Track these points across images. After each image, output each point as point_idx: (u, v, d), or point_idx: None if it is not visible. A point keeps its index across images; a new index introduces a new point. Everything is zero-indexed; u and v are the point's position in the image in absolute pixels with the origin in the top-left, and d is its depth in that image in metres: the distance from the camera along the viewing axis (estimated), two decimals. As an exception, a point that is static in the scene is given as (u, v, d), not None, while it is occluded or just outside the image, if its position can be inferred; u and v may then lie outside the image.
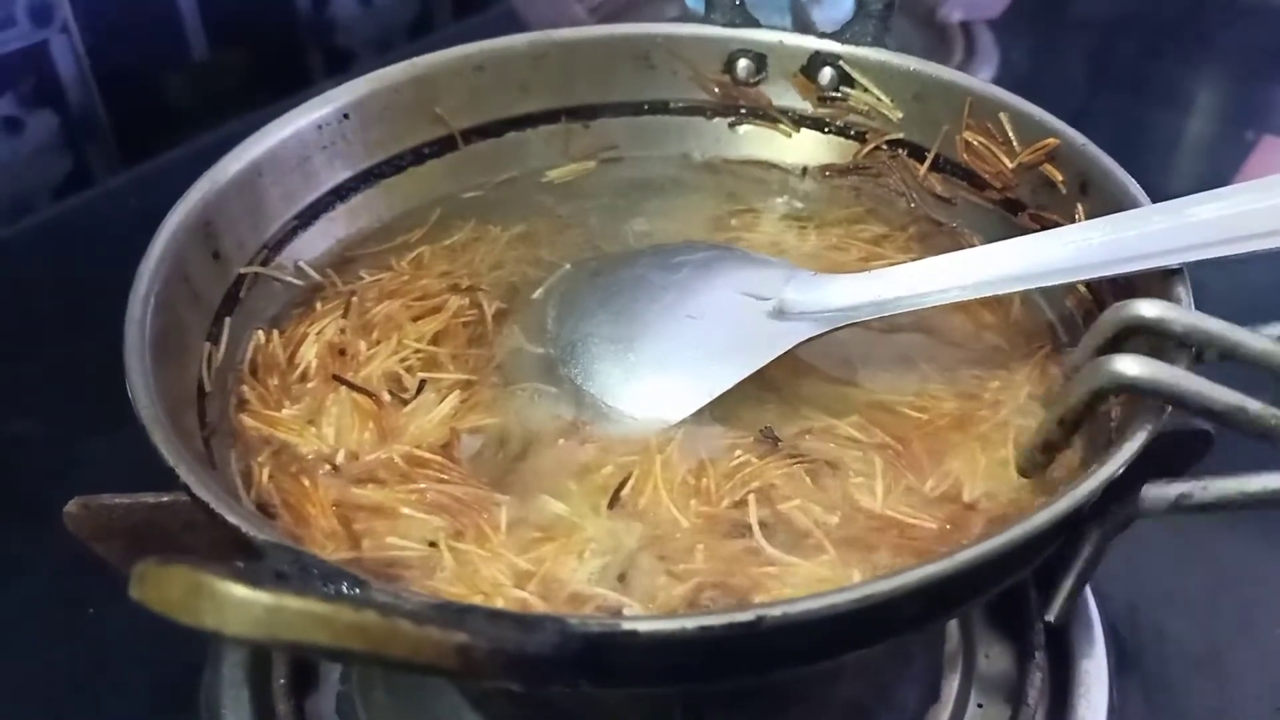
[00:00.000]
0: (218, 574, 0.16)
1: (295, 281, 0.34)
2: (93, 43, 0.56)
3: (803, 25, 0.46)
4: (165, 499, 0.24)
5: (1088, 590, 0.34)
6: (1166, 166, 0.59)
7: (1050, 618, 0.25)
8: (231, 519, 0.22)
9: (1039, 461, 0.25)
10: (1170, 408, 0.23)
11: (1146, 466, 0.22)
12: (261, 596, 0.16)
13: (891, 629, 0.22)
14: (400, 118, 0.37)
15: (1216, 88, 0.67)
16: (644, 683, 0.21)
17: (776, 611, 0.19)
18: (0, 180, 0.56)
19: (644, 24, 0.39)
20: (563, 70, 0.38)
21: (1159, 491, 0.23)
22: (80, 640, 0.36)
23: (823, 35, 0.37)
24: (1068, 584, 0.24)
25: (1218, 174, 0.56)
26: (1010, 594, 0.34)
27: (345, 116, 0.35)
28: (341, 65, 0.65)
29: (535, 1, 0.54)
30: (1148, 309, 0.24)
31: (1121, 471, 0.22)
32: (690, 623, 0.20)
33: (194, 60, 0.61)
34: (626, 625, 0.19)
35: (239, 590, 0.16)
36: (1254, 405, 0.22)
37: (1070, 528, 0.23)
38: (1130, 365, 0.23)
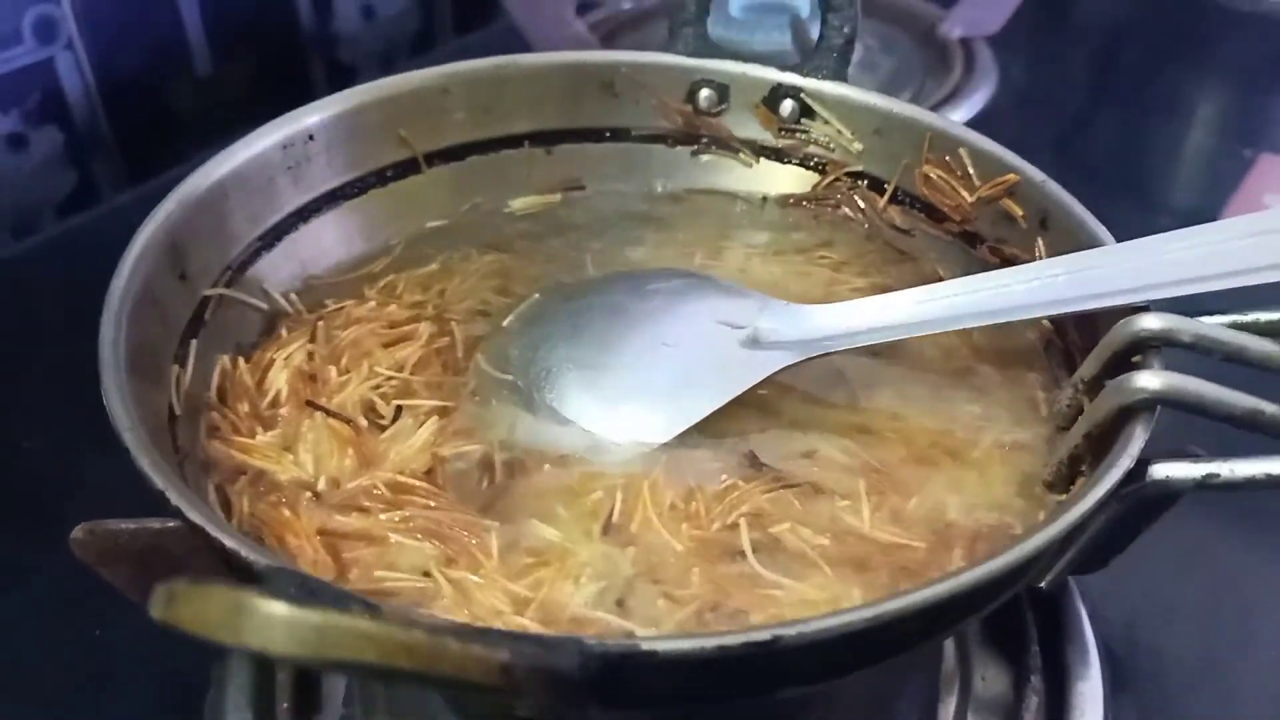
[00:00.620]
0: (258, 594, 0.16)
1: (260, 305, 0.33)
2: (97, 58, 0.56)
3: (804, 44, 0.46)
4: (170, 524, 0.24)
5: (1083, 612, 0.35)
6: (1166, 180, 0.59)
7: (1043, 584, 0.26)
8: (230, 543, 0.21)
9: (1065, 475, 0.26)
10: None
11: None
12: (310, 615, 0.15)
13: (901, 645, 0.22)
14: (365, 140, 0.36)
15: (1216, 100, 0.68)
16: (656, 704, 0.21)
17: (793, 631, 0.20)
18: (5, 197, 0.55)
19: (609, 51, 0.39)
20: (528, 95, 0.38)
21: (1185, 471, 0.24)
22: (85, 661, 0.36)
23: (784, 68, 0.38)
24: (1067, 556, 0.25)
25: (1216, 189, 0.57)
26: (1006, 615, 0.35)
27: (310, 138, 0.35)
28: (345, 79, 0.63)
29: (536, 19, 0.54)
30: (1154, 322, 0.25)
31: (1119, 480, 0.23)
32: (708, 642, 0.20)
33: (198, 74, 0.61)
34: (646, 645, 0.19)
35: (284, 610, 0.15)
36: (1270, 407, 0.24)
37: (1079, 531, 0.24)
38: (1153, 380, 0.25)
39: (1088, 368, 0.27)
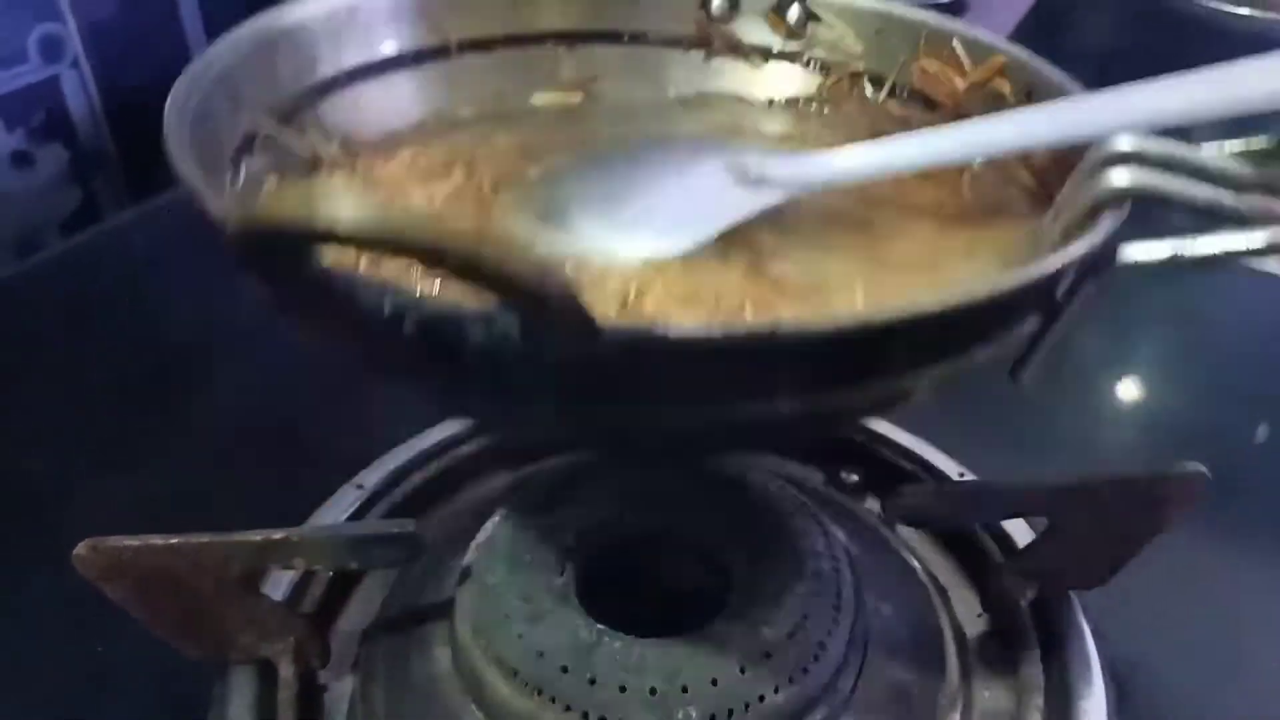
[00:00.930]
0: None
1: (302, 153, 0.36)
2: (102, 76, 0.58)
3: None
4: (174, 541, 0.26)
5: (1085, 630, 0.37)
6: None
7: (1022, 376, 0.28)
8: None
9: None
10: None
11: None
12: (373, 198, 0.17)
13: (888, 361, 0.24)
14: (401, 20, 0.39)
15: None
16: (669, 398, 0.23)
17: (791, 326, 0.22)
18: (9, 216, 0.57)
19: None
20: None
21: (1153, 251, 0.27)
22: (87, 679, 0.36)
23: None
24: (1046, 344, 0.27)
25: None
26: (1007, 632, 0.37)
27: (353, 11, 0.38)
28: None
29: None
30: (1125, 143, 0.28)
31: (1101, 243, 0.25)
32: (715, 331, 0.22)
33: None
34: (660, 330, 0.21)
35: (354, 192, 0.17)
36: (1229, 198, 0.26)
37: (1061, 277, 0.26)
38: (1123, 176, 0.27)
39: (1068, 187, 0.30)
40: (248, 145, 0.33)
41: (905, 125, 0.39)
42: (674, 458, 0.36)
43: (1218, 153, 0.28)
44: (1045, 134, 0.31)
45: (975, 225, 0.34)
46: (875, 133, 0.40)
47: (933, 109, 0.39)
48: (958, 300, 0.23)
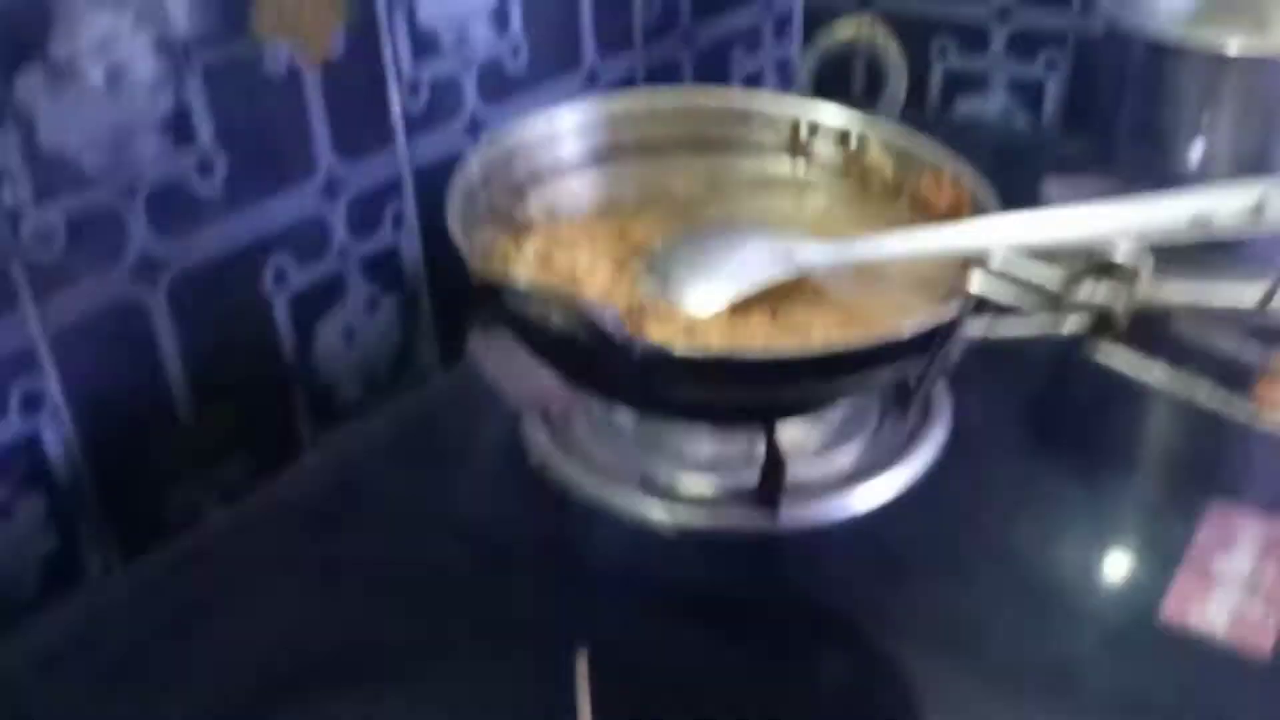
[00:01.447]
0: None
1: (518, 217, 0.63)
2: (81, 422, 0.63)
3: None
4: None
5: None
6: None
7: (913, 399, 0.54)
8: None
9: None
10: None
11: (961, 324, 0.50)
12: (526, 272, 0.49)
13: (836, 377, 0.52)
14: (591, 134, 0.65)
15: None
16: (679, 391, 0.52)
17: (745, 354, 0.52)
18: None
19: (747, 91, 0.72)
20: (694, 119, 0.67)
21: (975, 326, 0.50)
22: None
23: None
24: (924, 381, 0.53)
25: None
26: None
27: (562, 129, 0.65)
28: (325, 398, 0.80)
29: (511, 376, 0.62)
30: (995, 257, 0.48)
31: (952, 317, 0.49)
32: (697, 352, 0.52)
33: (181, 423, 0.69)
34: (672, 351, 0.50)
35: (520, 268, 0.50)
36: (1031, 299, 0.46)
37: (938, 337, 0.49)
38: (975, 280, 0.48)
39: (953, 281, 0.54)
40: (488, 215, 0.60)
41: (908, 223, 0.63)
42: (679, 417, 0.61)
43: (1038, 270, 0.47)
44: (965, 244, 0.54)
45: (918, 296, 0.57)
46: (887, 225, 0.68)
47: (927, 213, 0.63)
48: (841, 348, 0.51)
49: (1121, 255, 0.43)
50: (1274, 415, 0.43)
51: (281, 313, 0.77)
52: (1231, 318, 0.41)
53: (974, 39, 1.17)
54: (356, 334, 0.83)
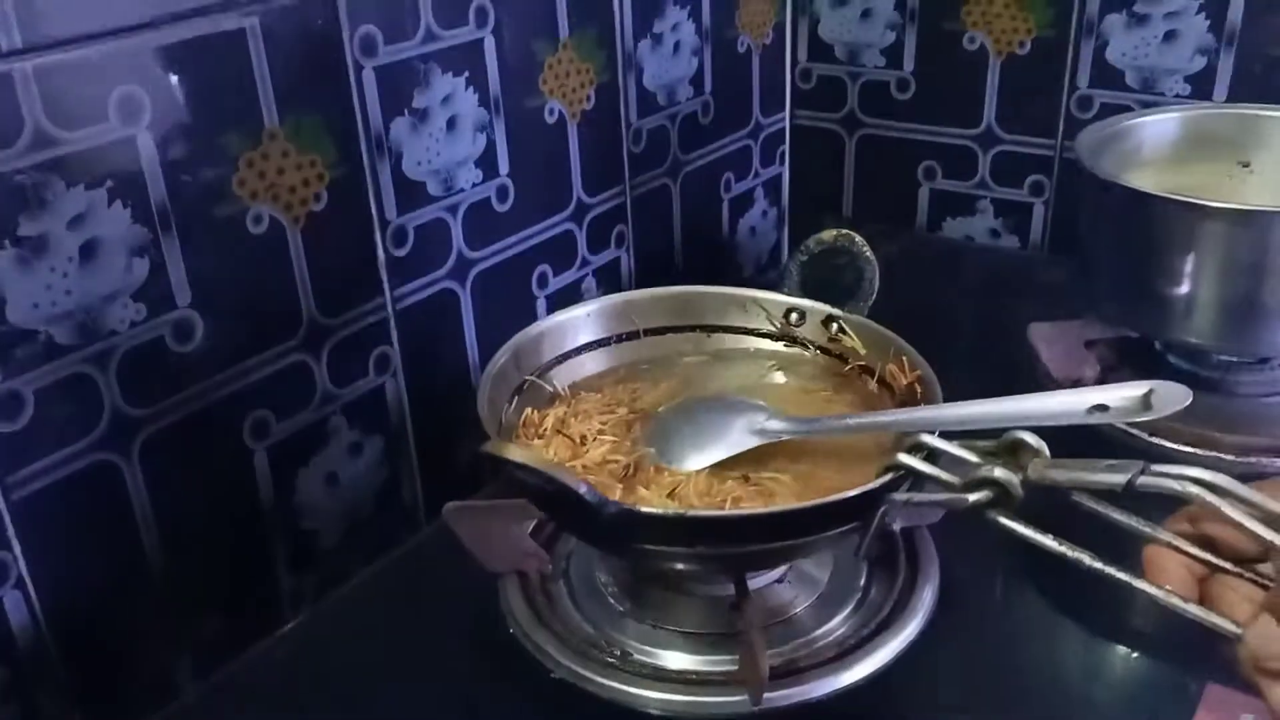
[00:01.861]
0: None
1: (547, 388, 0.70)
2: (46, 590, 0.63)
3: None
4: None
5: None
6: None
7: (859, 554, 0.56)
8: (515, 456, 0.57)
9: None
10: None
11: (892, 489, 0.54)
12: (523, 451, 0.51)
13: (785, 535, 0.55)
14: (611, 319, 0.73)
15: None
16: (648, 541, 0.55)
17: (698, 513, 0.53)
18: None
19: (745, 289, 0.75)
20: (699, 307, 0.74)
21: (900, 497, 0.54)
22: None
23: (833, 306, 0.72)
24: (866, 538, 0.55)
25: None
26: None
27: (588, 315, 0.72)
28: (307, 542, 0.80)
29: (485, 540, 0.65)
30: (924, 437, 0.55)
31: (878, 486, 0.54)
32: (660, 512, 0.54)
33: (153, 585, 0.70)
34: (638, 509, 0.53)
35: (519, 448, 0.51)
36: (950, 475, 0.51)
37: (867, 503, 0.54)
38: (905, 456, 0.54)
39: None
40: (519, 390, 0.68)
41: (875, 397, 0.69)
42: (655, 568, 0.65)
43: (961, 447, 0.54)
44: (907, 425, 0.60)
45: (871, 461, 0.62)
46: (860, 398, 0.69)
47: (892, 391, 0.68)
48: (791, 508, 0.53)
49: (1026, 439, 0.51)
50: (1158, 579, 0.46)
51: (261, 464, 0.77)
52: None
53: (960, 162, 1.18)
54: (340, 478, 0.83)
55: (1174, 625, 0.57)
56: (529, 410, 0.67)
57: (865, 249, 0.72)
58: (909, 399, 0.66)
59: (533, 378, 0.69)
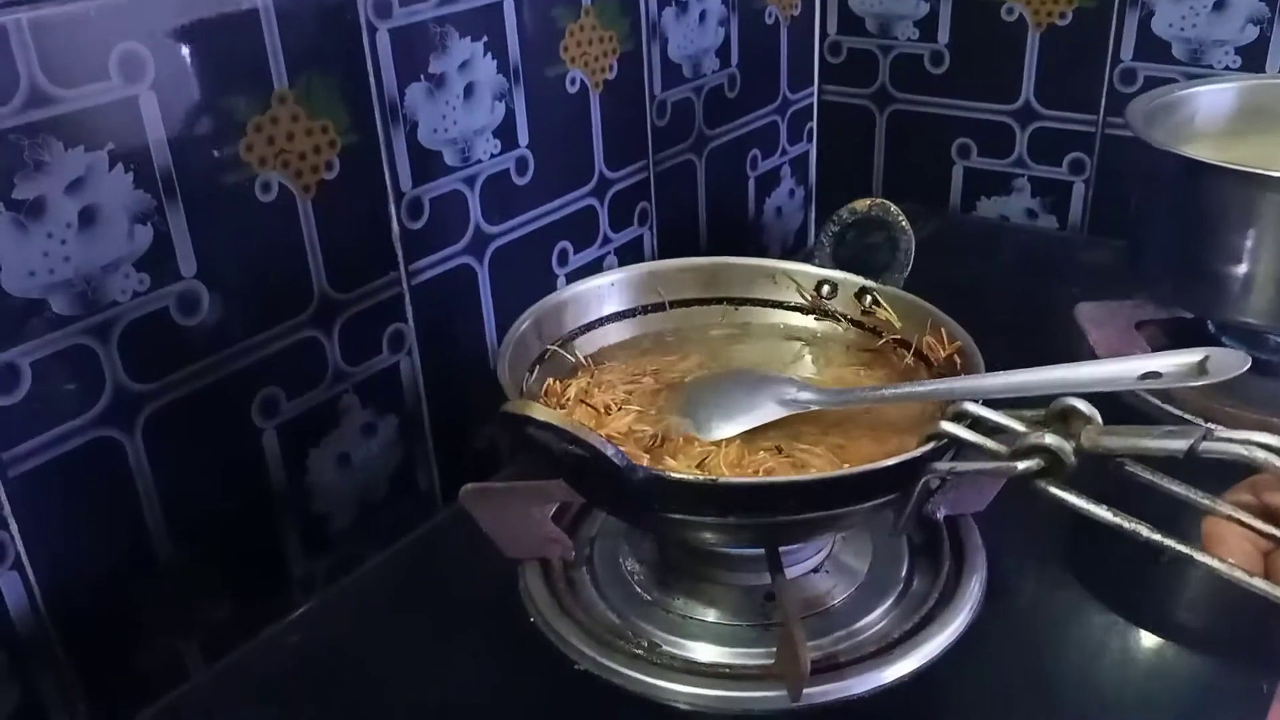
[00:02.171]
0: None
1: (569, 358, 0.66)
2: (45, 570, 0.61)
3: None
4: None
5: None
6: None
7: (897, 530, 0.53)
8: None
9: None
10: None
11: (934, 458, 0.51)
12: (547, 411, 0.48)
13: (824, 504, 0.51)
14: (638, 290, 0.70)
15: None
16: (675, 509, 0.52)
17: (728, 480, 0.50)
18: None
19: (775, 260, 0.71)
20: (727, 278, 0.71)
21: (943, 465, 0.51)
22: None
23: (866, 278, 0.68)
24: (905, 512, 0.52)
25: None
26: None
27: (612, 284, 0.69)
28: (318, 527, 0.77)
29: (505, 524, 0.63)
30: (968, 405, 0.51)
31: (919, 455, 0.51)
32: (688, 477, 0.50)
33: (159, 566, 0.66)
34: (666, 475, 0.50)
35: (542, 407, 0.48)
36: (996, 443, 0.48)
37: (908, 472, 0.51)
38: (949, 425, 0.50)
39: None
40: (540, 360, 0.64)
41: (909, 374, 0.65)
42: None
43: (1008, 416, 0.50)
44: (948, 393, 0.57)
45: (908, 435, 0.58)
46: (896, 372, 0.65)
47: (929, 365, 0.65)
48: (828, 476, 0.50)
49: (1078, 406, 0.48)
50: (1219, 553, 0.43)
51: (271, 444, 0.73)
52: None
53: (996, 139, 1.14)
54: (352, 460, 0.79)
55: (1242, 620, 0.58)
56: (550, 380, 0.64)
57: (900, 218, 0.69)
58: (948, 372, 0.62)
59: (554, 347, 0.65)
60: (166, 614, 0.68)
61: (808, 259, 0.71)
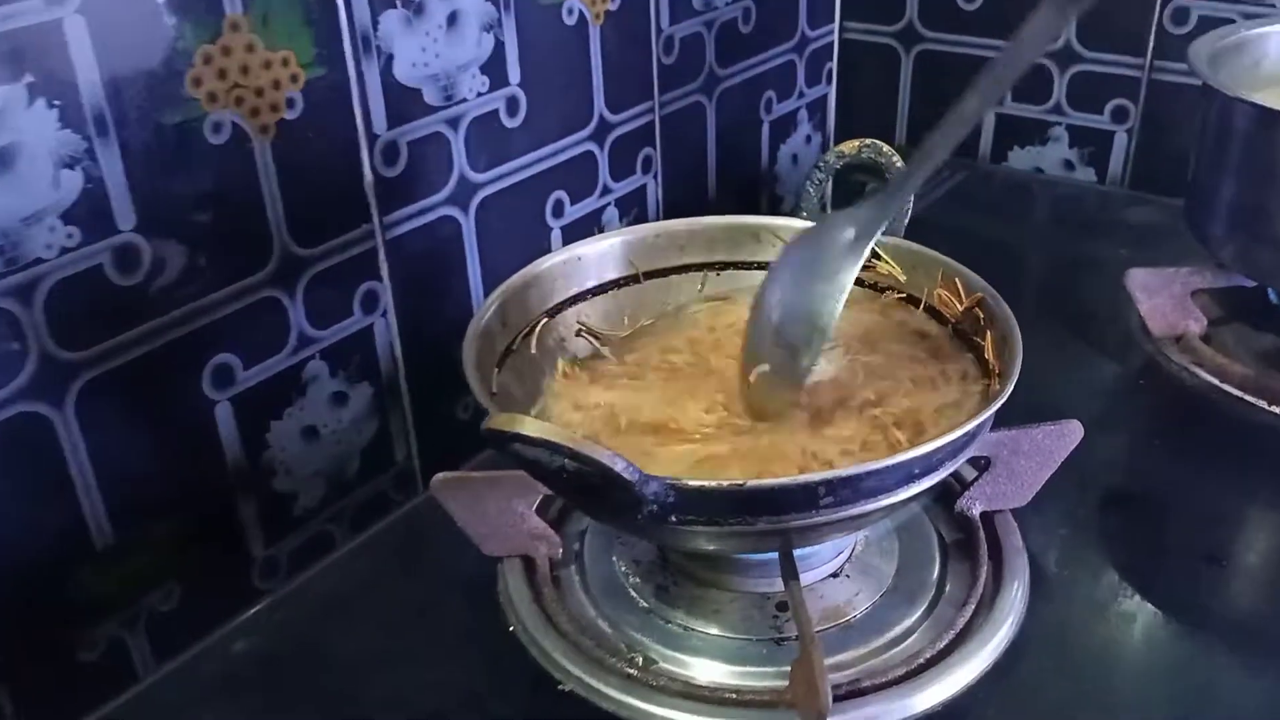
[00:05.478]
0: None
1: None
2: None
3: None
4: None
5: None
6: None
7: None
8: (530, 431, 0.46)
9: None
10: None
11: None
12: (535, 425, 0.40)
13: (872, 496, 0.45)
14: (609, 262, 0.62)
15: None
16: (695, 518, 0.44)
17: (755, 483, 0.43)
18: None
19: (757, 216, 0.64)
20: (706, 240, 0.64)
21: None
22: None
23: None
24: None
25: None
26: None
27: (579, 259, 0.62)
28: (282, 510, 0.71)
29: (482, 519, 0.57)
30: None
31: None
32: (708, 484, 0.43)
33: (97, 552, 0.60)
34: (681, 482, 0.43)
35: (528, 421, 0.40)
36: None
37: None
38: None
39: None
40: (507, 354, 0.57)
41: (924, 326, 0.59)
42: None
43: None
44: None
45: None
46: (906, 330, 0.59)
47: (944, 323, 0.58)
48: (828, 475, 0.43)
49: None
50: None
51: (225, 416, 0.66)
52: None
53: (1032, 82, 1.05)
54: (320, 433, 0.72)
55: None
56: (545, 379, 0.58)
57: (895, 159, 0.62)
58: (972, 329, 0.56)
59: (521, 338, 0.58)
60: (108, 610, 0.62)
61: (794, 213, 0.64)
